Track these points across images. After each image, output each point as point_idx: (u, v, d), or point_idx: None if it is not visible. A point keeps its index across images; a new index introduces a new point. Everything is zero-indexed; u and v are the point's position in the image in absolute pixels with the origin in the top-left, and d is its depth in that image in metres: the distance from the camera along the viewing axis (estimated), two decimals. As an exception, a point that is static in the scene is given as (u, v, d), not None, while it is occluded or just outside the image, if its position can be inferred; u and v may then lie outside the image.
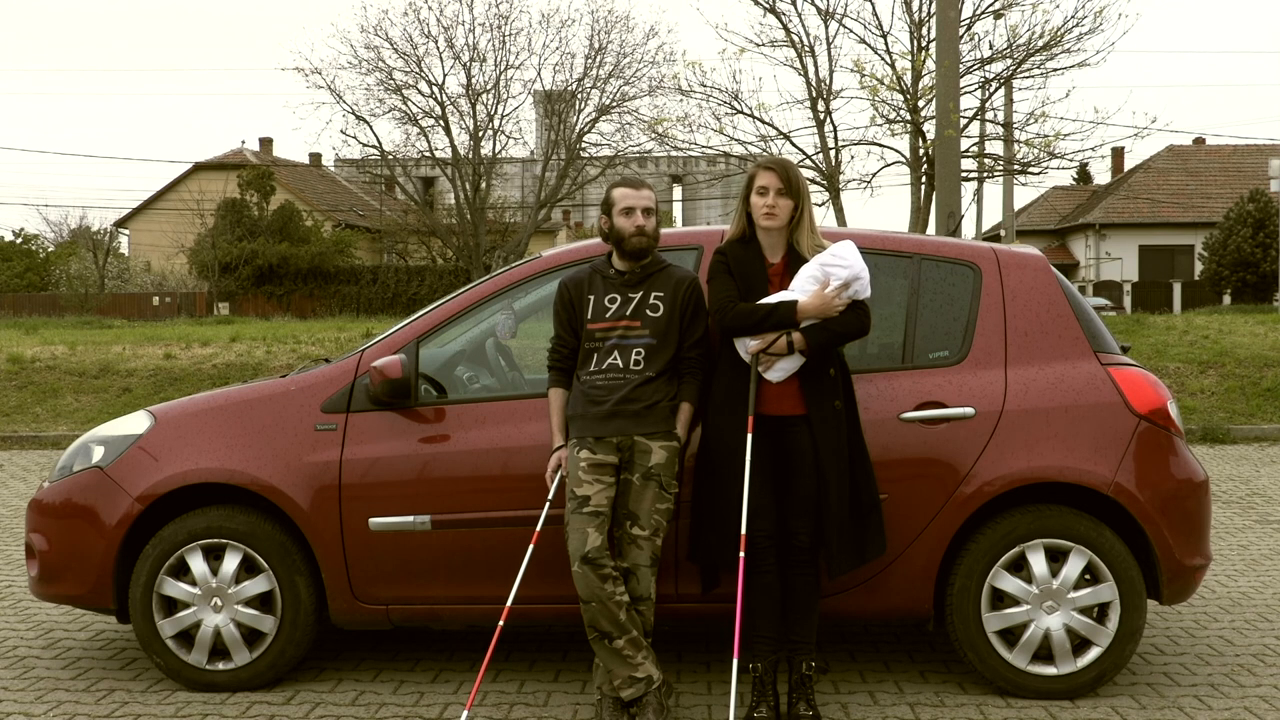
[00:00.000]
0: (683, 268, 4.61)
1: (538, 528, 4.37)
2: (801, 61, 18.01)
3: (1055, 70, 17.76)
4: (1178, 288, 39.78)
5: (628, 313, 4.45)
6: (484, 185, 37.17)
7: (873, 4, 19.25)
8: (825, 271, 4.25)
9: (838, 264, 4.25)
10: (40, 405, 14.34)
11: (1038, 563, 4.53)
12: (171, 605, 4.77)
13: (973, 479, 4.53)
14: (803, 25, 17.95)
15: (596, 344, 4.45)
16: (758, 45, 17.99)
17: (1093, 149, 21.37)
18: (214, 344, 16.66)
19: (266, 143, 54.05)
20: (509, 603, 4.35)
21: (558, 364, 4.55)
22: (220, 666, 4.75)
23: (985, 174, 18.87)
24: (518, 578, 4.34)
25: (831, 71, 18.04)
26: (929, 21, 16.73)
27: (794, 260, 4.35)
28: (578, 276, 4.58)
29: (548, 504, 4.39)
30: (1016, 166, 18.39)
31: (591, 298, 4.50)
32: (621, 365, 4.39)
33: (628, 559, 4.31)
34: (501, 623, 4.36)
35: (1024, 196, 50.02)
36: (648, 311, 4.44)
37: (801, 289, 4.26)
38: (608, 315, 4.46)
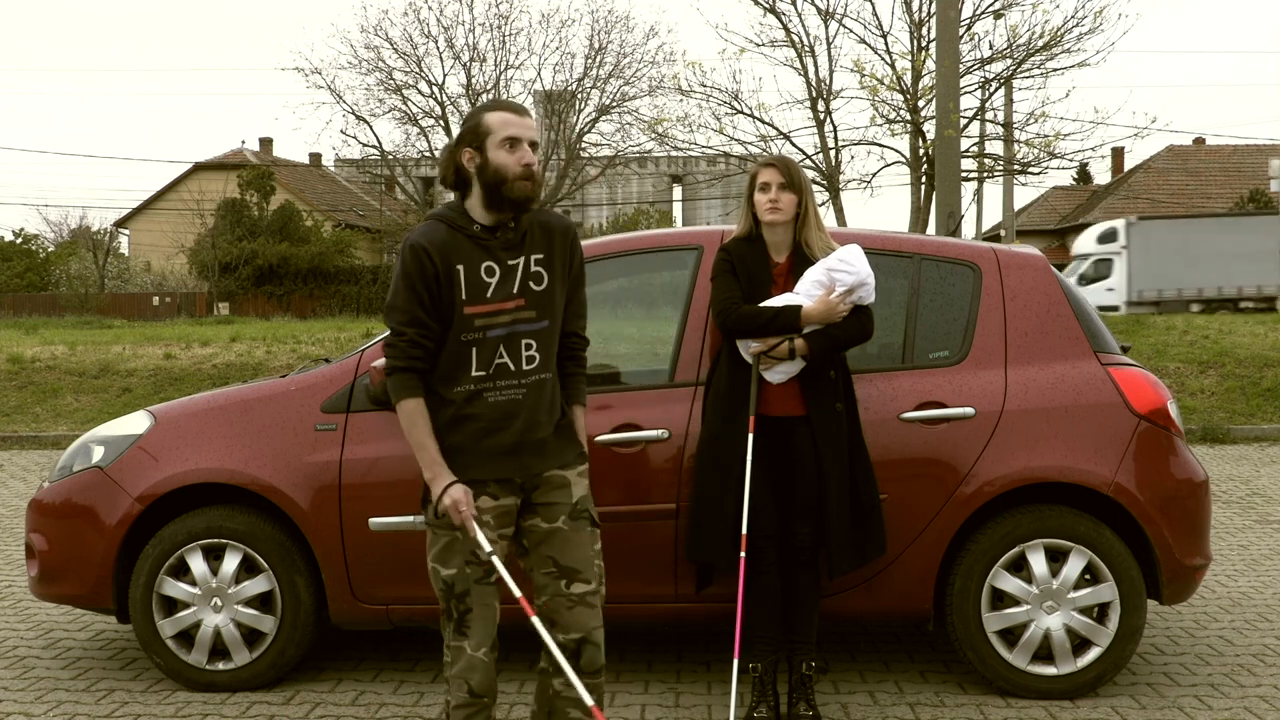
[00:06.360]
0: (552, 212, 3.46)
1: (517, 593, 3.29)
2: (801, 61, 18.06)
3: (1055, 70, 17.82)
4: (1178, 288, 39.73)
5: (514, 289, 3.29)
6: (484, 185, 37.12)
7: (873, 4, 19.35)
8: (831, 277, 4.23)
9: (844, 269, 4.23)
10: (40, 405, 14.34)
11: (1038, 563, 4.54)
12: (171, 605, 4.77)
13: (973, 479, 4.53)
14: (803, 25, 18.04)
15: (476, 336, 3.26)
16: (758, 45, 18.06)
17: (1093, 149, 21.36)
18: (214, 344, 16.66)
19: (266, 143, 54.13)
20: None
21: (416, 362, 3.26)
22: (220, 666, 4.75)
23: (985, 174, 18.90)
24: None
25: (831, 71, 18.11)
26: (929, 21, 16.77)
27: (799, 261, 4.33)
28: (434, 236, 3.26)
29: (493, 557, 3.25)
30: (1016, 166, 18.43)
31: (462, 268, 3.25)
32: (513, 367, 3.28)
33: (575, 628, 3.34)
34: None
35: (1024, 196, 50.12)
36: (531, 284, 3.32)
37: (806, 293, 4.24)
38: (489, 294, 3.26)
